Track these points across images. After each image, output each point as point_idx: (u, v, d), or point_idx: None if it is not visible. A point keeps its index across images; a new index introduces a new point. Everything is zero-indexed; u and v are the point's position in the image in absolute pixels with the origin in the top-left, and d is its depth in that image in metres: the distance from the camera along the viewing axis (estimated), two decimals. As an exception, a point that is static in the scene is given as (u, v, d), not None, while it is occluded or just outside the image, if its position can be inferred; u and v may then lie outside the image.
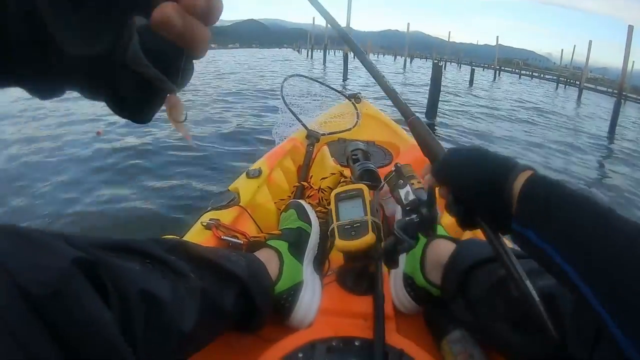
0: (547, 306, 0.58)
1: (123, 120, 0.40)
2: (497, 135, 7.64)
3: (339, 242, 0.92)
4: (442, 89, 9.35)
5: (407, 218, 0.76)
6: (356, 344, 0.81)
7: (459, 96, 13.99)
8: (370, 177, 1.15)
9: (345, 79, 17.26)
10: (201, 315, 0.65)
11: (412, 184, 0.86)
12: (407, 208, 0.80)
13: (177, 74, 0.35)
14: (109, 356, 0.45)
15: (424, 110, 8.94)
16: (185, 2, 0.32)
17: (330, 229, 0.96)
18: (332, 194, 1.02)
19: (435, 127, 7.85)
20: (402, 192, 0.85)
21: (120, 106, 0.37)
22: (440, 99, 9.04)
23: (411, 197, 0.82)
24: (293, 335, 0.83)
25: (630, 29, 17.66)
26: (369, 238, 0.90)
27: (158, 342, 0.56)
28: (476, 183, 0.60)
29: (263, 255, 0.96)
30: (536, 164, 5.69)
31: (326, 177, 1.41)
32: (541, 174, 0.55)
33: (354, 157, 1.30)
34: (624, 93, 16.91)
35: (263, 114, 7.31)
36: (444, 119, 8.76)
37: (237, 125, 6.37)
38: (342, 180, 1.39)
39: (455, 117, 9.10)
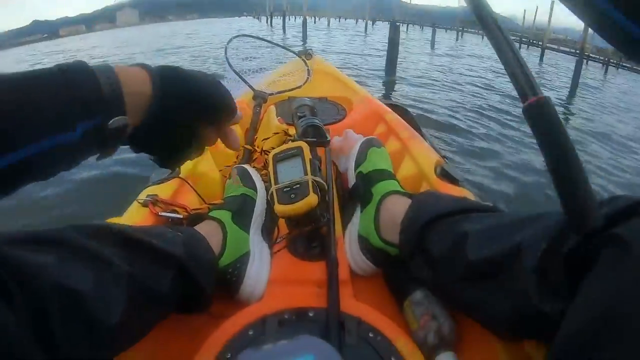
0: (511, 261, 0.57)
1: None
2: (455, 92, 7.68)
3: (278, 207, 0.84)
4: (403, 50, 9.47)
5: None
6: (310, 314, 0.75)
7: (419, 56, 13.95)
8: (315, 134, 1.06)
9: (304, 41, 17.08)
10: (131, 303, 0.58)
11: None
12: None
13: None
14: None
15: (383, 69, 9.16)
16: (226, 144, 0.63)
17: (269, 193, 0.88)
18: (270, 155, 0.93)
19: (396, 83, 8.00)
20: None
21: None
22: (401, 60, 9.15)
23: None
24: (242, 311, 0.76)
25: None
26: (310, 200, 0.82)
27: (81, 338, 0.51)
28: None
29: (204, 228, 0.87)
30: (495, 121, 5.73)
31: (268, 138, 1.33)
32: None
33: (299, 114, 1.21)
34: (585, 53, 17.33)
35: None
36: (403, 77, 8.86)
37: None
38: (287, 140, 1.31)
39: (414, 76, 9.17)
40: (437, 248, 0.73)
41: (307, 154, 0.90)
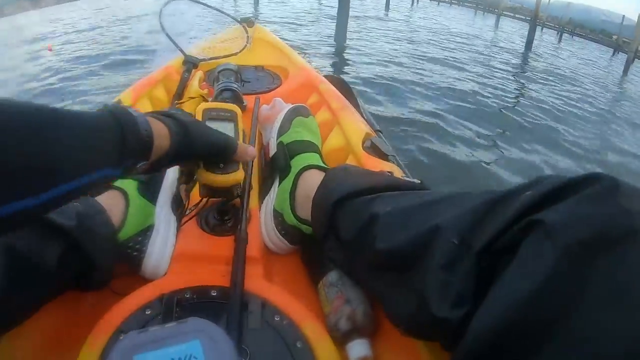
0: (419, 253, 0.51)
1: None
2: (406, 60, 7.62)
3: (203, 174, 0.76)
4: (356, 14, 9.27)
5: None
6: (212, 293, 0.71)
7: (373, 20, 13.86)
8: (231, 98, 1.01)
9: (255, 9, 16.62)
10: (10, 279, 0.55)
11: None
12: None
13: None
14: None
15: (333, 34, 8.86)
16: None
17: None
18: (200, 108, 0.84)
19: (345, 51, 7.78)
20: None
21: None
22: (355, 25, 8.98)
23: None
24: (140, 289, 0.71)
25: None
26: (238, 175, 0.77)
27: None
28: None
29: (106, 198, 0.79)
30: (450, 83, 5.79)
31: (183, 101, 1.26)
32: None
33: (222, 79, 1.16)
34: (539, 21, 17.60)
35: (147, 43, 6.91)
36: (354, 42, 8.71)
37: (110, 59, 6.07)
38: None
39: (367, 42, 9.01)
40: (346, 230, 0.68)
41: (241, 123, 0.84)
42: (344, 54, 7.76)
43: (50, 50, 6.60)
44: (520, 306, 0.37)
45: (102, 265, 0.70)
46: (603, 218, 0.37)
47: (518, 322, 0.37)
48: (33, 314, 0.62)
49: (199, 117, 0.83)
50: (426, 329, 0.51)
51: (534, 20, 16.35)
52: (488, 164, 3.48)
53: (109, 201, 0.79)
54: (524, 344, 0.36)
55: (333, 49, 8.23)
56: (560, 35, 25.23)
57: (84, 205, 0.73)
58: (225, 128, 0.82)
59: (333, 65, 6.87)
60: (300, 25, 12.65)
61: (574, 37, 25.82)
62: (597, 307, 0.34)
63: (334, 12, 9.35)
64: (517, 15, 33.32)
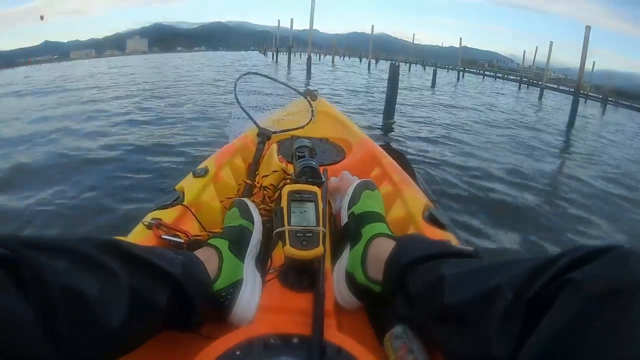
0: (481, 307, 0.62)
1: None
2: (455, 136, 7.70)
3: (289, 249, 0.90)
4: (404, 89, 9.44)
5: None
6: (294, 340, 0.79)
7: (420, 97, 14.13)
8: (311, 174, 1.14)
9: (308, 79, 17.31)
10: (130, 311, 0.64)
11: None
12: None
13: None
14: (28, 350, 0.48)
15: (382, 110, 9.08)
16: None
17: (280, 230, 0.93)
18: (285, 191, 0.99)
19: (393, 127, 7.91)
20: None
21: None
22: (401, 100, 9.14)
23: None
24: (232, 333, 0.81)
25: (588, 29, 18.21)
26: (318, 250, 0.90)
27: (84, 337, 0.57)
28: None
29: (203, 253, 0.94)
30: (491, 162, 5.79)
31: (268, 175, 1.40)
32: None
33: (299, 154, 1.29)
34: (583, 92, 17.28)
35: (219, 114, 7.41)
36: (402, 119, 8.85)
37: (191, 126, 6.48)
38: (285, 177, 1.38)
39: (414, 118, 9.17)
40: (416, 288, 0.78)
41: (320, 203, 0.97)
42: (394, 125, 8.03)
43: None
44: (555, 341, 0.48)
45: (200, 309, 0.82)
46: (615, 277, 0.49)
47: (555, 352, 0.48)
48: (140, 344, 0.73)
49: (284, 198, 0.98)
50: None
51: (577, 92, 16.05)
52: (530, 237, 3.51)
53: (205, 256, 0.93)
54: None
55: (382, 121, 8.51)
56: (605, 106, 24.75)
57: (185, 257, 0.87)
58: (307, 208, 0.97)
59: (383, 135, 7.08)
60: (351, 92, 13.10)
61: (617, 107, 25.23)
62: (607, 339, 0.46)
63: (381, 83, 9.53)
64: (560, 87, 33.09)
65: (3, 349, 0.45)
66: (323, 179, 1.16)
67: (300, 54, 55.95)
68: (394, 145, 5.79)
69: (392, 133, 7.38)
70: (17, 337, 0.47)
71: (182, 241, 1.06)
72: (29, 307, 0.49)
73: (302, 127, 1.88)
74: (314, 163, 1.17)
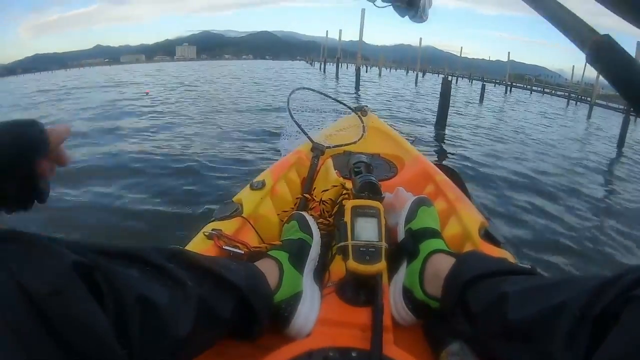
0: (547, 323, 0.62)
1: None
2: (502, 150, 7.62)
3: (352, 264, 0.91)
4: (452, 103, 9.57)
5: None
6: (353, 354, 0.80)
7: (469, 111, 14.00)
8: (371, 190, 1.14)
9: (357, 90, 17.31)
10: (197, 321, 0.67)
11: None
12: None
13: None
14: (103, 354, 0.49)
15: (434, 122, 9.47)
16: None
17: (343, 244, 0.95)
18: (349, 205, 1.01)
19: (445, 140, 7.99)
20: None
21: None
22: (450, 112, 9.28)
23: None
24: (291, 344, 0.83)
25: (639, 45, 17.54)
26: (380, 266, 0.90)
27: (154, 345, 0.59)
28: None
29: (263, 265, 0.96)
30: (540, 181, 5.65)
31: (327, 190, 1.41)
32: None
33: (356, 169, 1.30)
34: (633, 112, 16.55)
35: (272, 128, 7.52)
36: (452, 132, 8.97)
37: (245, 138, 6.64)
38: (343, 193, 1.39)
39: (463, 131, 9.28)
40: (477, 305, 0.78)
41: (383, 218, 0.98)
42: (445, 139, 8.03)
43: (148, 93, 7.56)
44: (622, 357, 0.48)
45: (262, 320, 0.84)
46: None
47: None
48: (204, 351, 0.75)
49: (347, 213, 0.99)
50: None
51: (628, 110, 15.37)
52: (586, 252, 3.44)
53: (266, 268, 0.95)
54: None
55: (433, 134, 8.54)
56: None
57: (247, 268, 0.90)
58: (370, 223, 0.98)
59: (435, 150, 7.06)
60: (400, 105, 13.04)
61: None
62: None
63: (430, 96, 9.62)
64: (610, 105, 32.00)
65: (79, 353, 0.46)
66: (383, 195, 1.16)
67: (347, 65, 56.12)
68: (444, 159, 5.78)
69: (444, 146, 7.41)
70: (94, 343, 0.48)
71: (242, 252, 1.08)
72: (104, 314, 0.51)
73: (355, 142, 1.90)
74: (374, 179, 1.18)
